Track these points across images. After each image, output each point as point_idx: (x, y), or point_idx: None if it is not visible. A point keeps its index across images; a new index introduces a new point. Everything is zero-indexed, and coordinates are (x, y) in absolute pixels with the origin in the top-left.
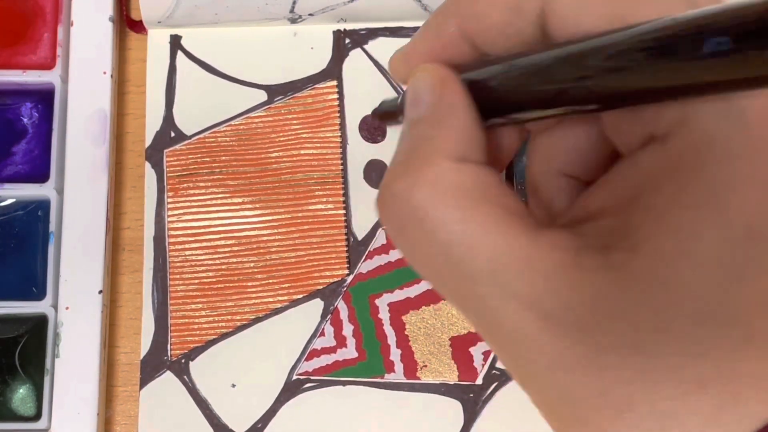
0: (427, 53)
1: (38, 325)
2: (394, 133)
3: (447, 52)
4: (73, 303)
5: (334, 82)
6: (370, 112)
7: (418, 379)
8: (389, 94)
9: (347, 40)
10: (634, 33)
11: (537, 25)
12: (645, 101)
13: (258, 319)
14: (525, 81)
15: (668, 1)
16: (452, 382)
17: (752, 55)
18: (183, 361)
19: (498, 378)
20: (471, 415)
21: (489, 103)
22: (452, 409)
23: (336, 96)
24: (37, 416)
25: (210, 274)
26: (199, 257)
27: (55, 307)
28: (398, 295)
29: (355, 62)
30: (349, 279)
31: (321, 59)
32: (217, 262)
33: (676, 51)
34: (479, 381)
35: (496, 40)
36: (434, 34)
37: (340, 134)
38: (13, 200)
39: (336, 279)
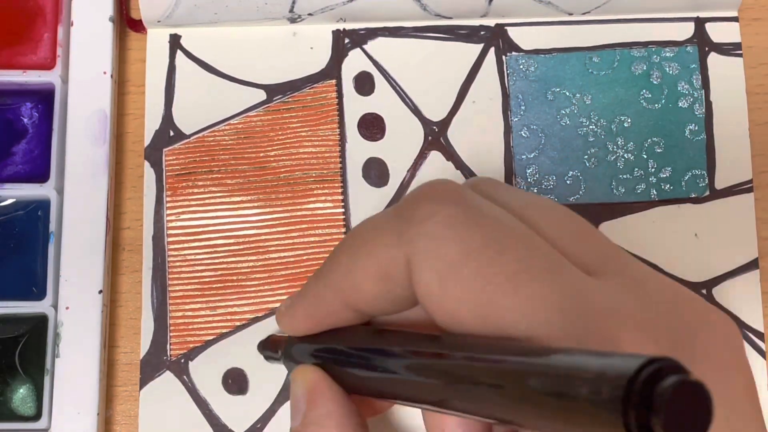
0: (311, 318)
1: (38, 325)
2: (393, 131)
3: (329, 319)
4: (73, 303)
5: (333, 81)
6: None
7: None
8: (388, 93)
9: (347, 40)
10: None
11: (410, 291)
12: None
13: (257, 319)
14: (400, 389)
15: (522, 306)
16: None
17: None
18: (182, 360)
19: None
20: None
21: (366, 391)
22: None
23: (335, 94)
24: (37, 416)
25: (209, 273)
26: (198, 257)
27: (55, 307)
28: None
29: (354, 62)
30: None
31: (320, 59)
32: (216, 261)
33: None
34: None
35: (374, 306)
36: (315, 301)
37: (338, 132)
38: (13, 200)
39: None
